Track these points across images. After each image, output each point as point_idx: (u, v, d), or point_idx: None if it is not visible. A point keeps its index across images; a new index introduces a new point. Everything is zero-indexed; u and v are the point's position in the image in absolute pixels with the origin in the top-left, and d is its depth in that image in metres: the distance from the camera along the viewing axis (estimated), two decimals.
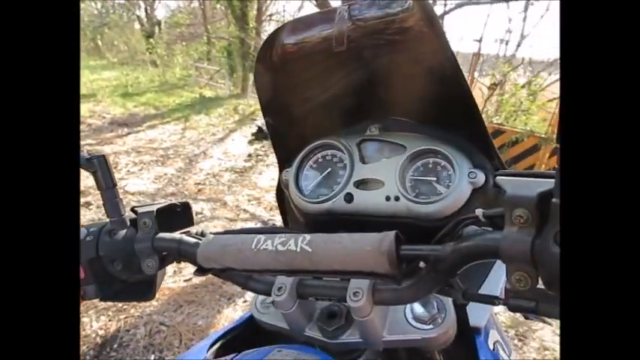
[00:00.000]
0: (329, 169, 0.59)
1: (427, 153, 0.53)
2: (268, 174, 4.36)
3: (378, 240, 0.35)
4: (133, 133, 5.74)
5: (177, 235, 0.46)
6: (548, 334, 2.17)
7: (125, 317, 1.95)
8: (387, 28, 0.47)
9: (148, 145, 5.14)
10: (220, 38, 11.47)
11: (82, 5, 17.88)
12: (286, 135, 0.63)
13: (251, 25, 9.52)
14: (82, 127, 5.72)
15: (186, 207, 0.52)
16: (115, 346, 1.77)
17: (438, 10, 5.72)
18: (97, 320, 1.90)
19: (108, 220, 0.47)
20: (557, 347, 2.09)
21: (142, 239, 0.45)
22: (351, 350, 0.46)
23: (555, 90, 5.82)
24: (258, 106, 0.63)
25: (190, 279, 2.35)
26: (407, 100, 0.55)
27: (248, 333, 0.54)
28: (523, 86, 6.28)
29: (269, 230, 0.43)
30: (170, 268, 2.48)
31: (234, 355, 0.42)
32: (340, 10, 0.50)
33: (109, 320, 1.92)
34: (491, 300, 0.36)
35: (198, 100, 8.45)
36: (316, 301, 0.45)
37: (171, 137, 5.66)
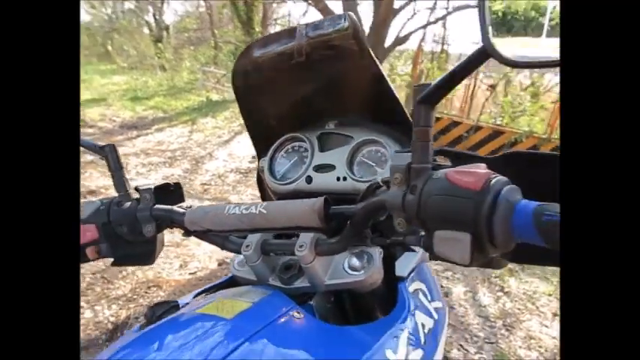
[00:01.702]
0: (295, 158, 0.72)
1: (369, 142, 0.66)
2: None
3: (312, 203, 0.47)
4: (142, 135, 5.92)
5: (169, 206, 0.59)
6: (535, 324, 2.27)
7: (135, 306, 2.09)
8: (330, 44, 0.59)
9: (157, 147, 5.31)
10: (227, 42, 11.69)
11: (92, 11, 18.33)
12: (261, 131, 0.76)
13: (257, 30, 9.70)
14: (93, 130, 5.92)
15: (177, 186, 0.64)
16: (125, 330, 1.91)
17: (440, 12, 5.83)
18: (108, 309, 2.05)
19: (117, 194, 0.60)
20: (543, 337, 2.19)
21: (143, 209, 0.58)
22: (304, 294, 0.58)
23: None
24: None
25: (195, 272, 2.49)
26: (353, 100, 0.68)
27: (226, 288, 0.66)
28: (526, 88, 6.35)
29: (240, 204, 0.55)
30: (177, 263, 2.62)
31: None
32: (299, 28, 0.63)
33: (120, 309, 2.06)
34: (388, 243, 0.47)
35: (205, 104, 8.63)
36: (276, 256, 0.57)
37: (178, 139, 5.83)
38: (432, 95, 0.39)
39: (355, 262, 0.54)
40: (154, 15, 15.15)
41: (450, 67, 0.38)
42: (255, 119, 0.75)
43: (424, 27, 5.64)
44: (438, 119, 5.56)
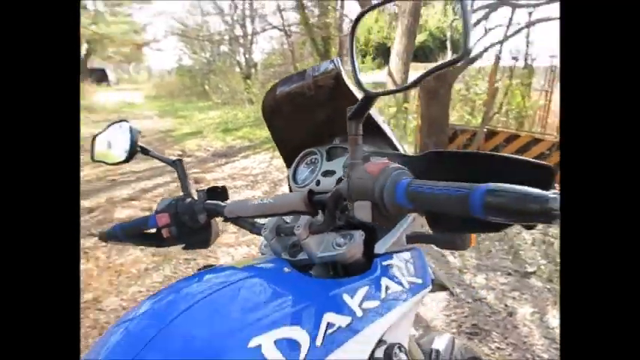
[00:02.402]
0: (312, 167, 0.93)
1: None
2: None
3: (301, 194, 0.68)
4: (230, 162, 6.62)
5: (216, 201, 0.83)
6: None
7: None
8: (324, 82, 0.80)
9: (241, 172, 5.91)
10: None
11: (194, 56, 20.94)
12: (287, 149, 0.99)
13: None
14: (190, 158, 6.78)
15: (224, 189, 0.89)
16: None
17: (516, 26, 5.62)
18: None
19: (183, 194, 0.87)
20: None
21: (198, 203, 0.84)
22: (306, 265, 0.77)
23: None
24: None
25: None
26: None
27: None
28: None
29: (261, 198, 0.77)
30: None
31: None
32: (308, 70, 0.85)
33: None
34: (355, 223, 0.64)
35: None
36: (286, 236, 0.78)
37: (260, 165, 6.40)
38: (358, 113, 0.57)
39: (340, 240, 0.71)
40: (244, 54, 16.82)
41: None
42: (282, 140, 0.98)
43: (500, 43, 5.52)
44: (516, 136, 5.34)
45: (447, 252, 3.36)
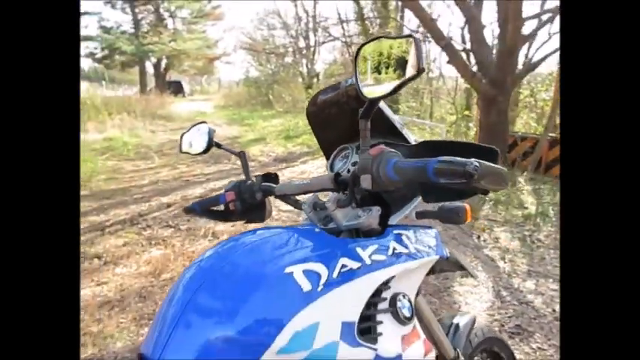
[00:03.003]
0: (344, 160, 1.16)
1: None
2: None
3: (329, 175, 0.90)
4: (290, 167, 7.02)
5: (269, 184, 1.09)
6: None
7: None
8: (353, 92, 1.02)
9: (300, 176, 6.26)
10: None
11: (260, 68, 22.25)
12: (326, 145, 1.22)
13: None
14: (254, 163, 7.28)
15: (275, 175, 1.15)
16: None
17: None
18: None
19: (245, 178, 1.14)
20: None
21: (256, 185, 1.10)
22: (335, 232, 0.98)
23: None
24: None
25: None
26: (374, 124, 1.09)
27: None
28: None
29: (302, 179, 1.00)
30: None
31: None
32: (342, 82, 1.08)
33: None
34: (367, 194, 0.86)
35: None
36: (321, 210, 1.00)
37: (317, 169, 6.71)
38: (365, 114, 0.78)
39: (361, 213, 0.90)
40: (307, 65, 17.50)
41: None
42: (322, 138, 1.22)
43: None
44: None
45: (497, 257, 3.37)
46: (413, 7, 5.23)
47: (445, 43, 5.09)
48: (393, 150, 0.75)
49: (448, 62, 5.29)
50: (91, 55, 23.61)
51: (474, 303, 2.65)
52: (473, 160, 0.57)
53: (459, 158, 0.58)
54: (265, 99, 18.69)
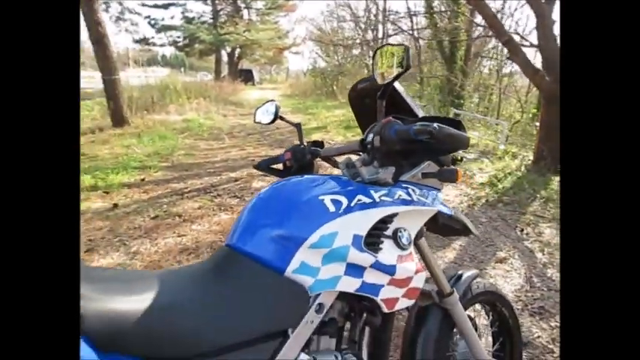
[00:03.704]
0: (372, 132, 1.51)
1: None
2: None
3: (357, 140, 1.26)
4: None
5: (316, 148, 1.47)
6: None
7: None
8: (376, 83, 1.37)
9: None
10: (432, 77, 12.67)
11: (327, 59, 22.72)
12: (362, 122, 1.57)
13: (458, 64, 10.28)
14: None
15: (322, 142, 1.52)
16: None
17: None
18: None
19: (299, 143, 1.53)
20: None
21: (307, 148, 1.47)
22: (361, 182, 1.34)
23: None
24: None
25: None
26: (395, 103, 1.42)
27: None
28: None
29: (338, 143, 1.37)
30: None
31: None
32: (374, 74, 1.43)
33: None
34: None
35: None
36: (353, 168, 1.35)
37: None
38: (382, 94, 1.13)
39: (380, 170, 1.26)
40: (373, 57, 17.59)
41: None
42: (360, 118, 1.58)
43: None
44: None
45: (536, 249, 3.49)
46: (476, 4, 5.26)
47: (505, 40, 5.10)
48: (397, 120, 1.10)
49: (508, 58, 5.24)
50: (174, 43, 25.61)
51: (504, 285, 2.85)
52: (436, 124, 0.91)
53: (428, 122, 0.92)
54: (330, 90, 19.12)
